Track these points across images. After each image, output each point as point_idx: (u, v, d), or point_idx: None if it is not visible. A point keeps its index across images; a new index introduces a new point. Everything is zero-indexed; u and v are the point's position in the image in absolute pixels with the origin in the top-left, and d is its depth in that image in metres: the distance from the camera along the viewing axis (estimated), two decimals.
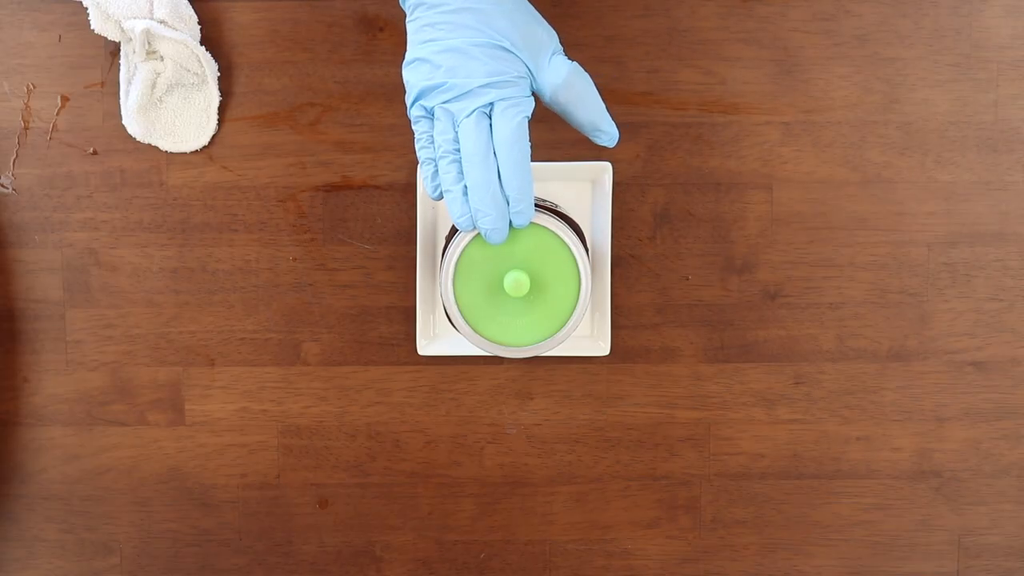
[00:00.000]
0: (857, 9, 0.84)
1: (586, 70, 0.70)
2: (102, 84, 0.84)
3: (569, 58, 0.74)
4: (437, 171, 0.67)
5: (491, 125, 0.65)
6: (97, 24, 0.81)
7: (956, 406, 0.86)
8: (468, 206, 0.66)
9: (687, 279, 0.85)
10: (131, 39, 0.81)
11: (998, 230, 0.85)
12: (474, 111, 0.65)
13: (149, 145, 0.84)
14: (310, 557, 0.87)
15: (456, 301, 0.76)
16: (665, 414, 0.86)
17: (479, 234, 0.75)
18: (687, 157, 0.85)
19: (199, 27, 0.83)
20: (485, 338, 0.76)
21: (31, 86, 0.84)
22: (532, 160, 0.84)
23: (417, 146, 0.67)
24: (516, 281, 0.74)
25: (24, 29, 0.84)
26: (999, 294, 0.86)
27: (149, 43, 0.81)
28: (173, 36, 0.80)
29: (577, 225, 0.81)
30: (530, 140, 0.66)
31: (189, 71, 0.82)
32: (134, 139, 0.84)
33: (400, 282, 0.86)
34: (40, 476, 0.86)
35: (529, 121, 0.67)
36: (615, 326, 0.85)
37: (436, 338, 0.85)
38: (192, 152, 0.85)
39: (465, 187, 0.66)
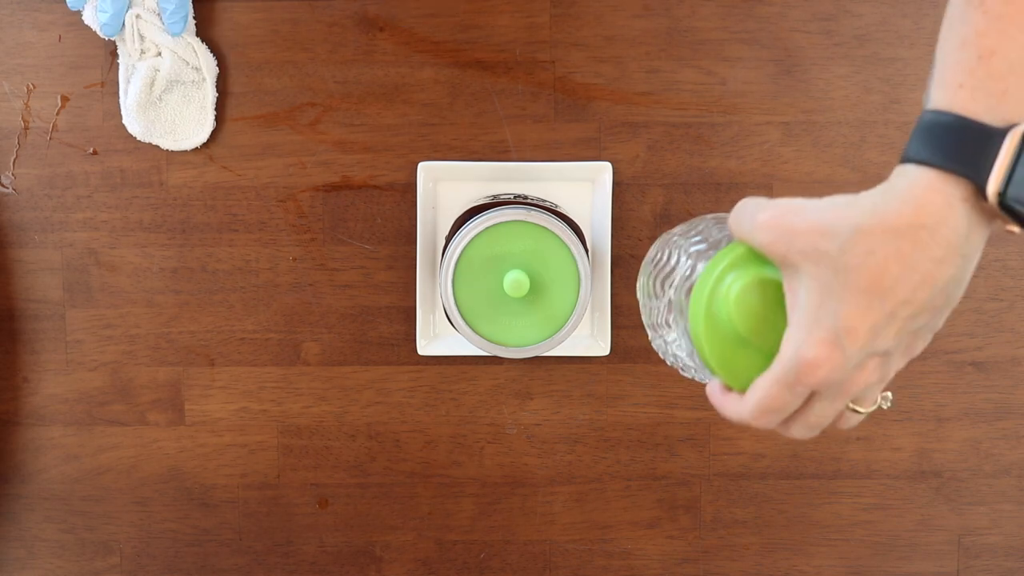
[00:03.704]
0: (857, 9, 0.84)
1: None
2: (102, 84, 0.84)
3: None
4: None
5: None
6: (90, 18, 0.81)
7: (956, 406, 0.86)
8: None
9: None
10: (124, 41, 0.81)
11: (998, 230, 0.85)
12: None
13: (149, 145, 0.84)
14: (310, 557, 0.87)
15: (456, 301, 0.76)
16: (665, 414, 0.86)
17: (479, 234, 0.75)
18: (687, 157, 0.85)
19: (194, 21, 0.83)
20: (485, 338, 0.76)
21: (31, 86, 0.84)
22: (532, 160, 0.85)
23: None
24: (516, 281, 0.74)
25: (24, 29, 0.84)
26: (999, 294, 0.86)
27: (143, 36, 0.81)
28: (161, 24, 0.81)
29: (577, 225, 0.81)
30: None
31: (188, 64, 0.82)
32: (134, 139, 0.84)
33: (400, 282, 0.86)
34: (40, 476, 0.86)
35: None
36: (615, 326, 0.85)
37: (436, 338, 0.85)
38: (192, 151, 0.85)
39: None
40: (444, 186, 0.84)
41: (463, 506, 0.87)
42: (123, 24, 0.80)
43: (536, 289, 0.76)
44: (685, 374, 0.60)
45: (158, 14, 0.81)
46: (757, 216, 0.52)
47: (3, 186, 0.85)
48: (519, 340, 0.76)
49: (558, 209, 0.81)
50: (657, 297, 0.60)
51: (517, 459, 0.87)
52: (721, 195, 0.85)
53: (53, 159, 0.85)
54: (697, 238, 0.59)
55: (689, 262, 0.58)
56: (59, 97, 0.84)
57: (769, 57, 0.84)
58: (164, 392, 0.86)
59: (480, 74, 0.84)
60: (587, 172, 0.83)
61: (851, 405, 0.53)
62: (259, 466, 0.87)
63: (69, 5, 0.80)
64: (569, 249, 0.75)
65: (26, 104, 0.84)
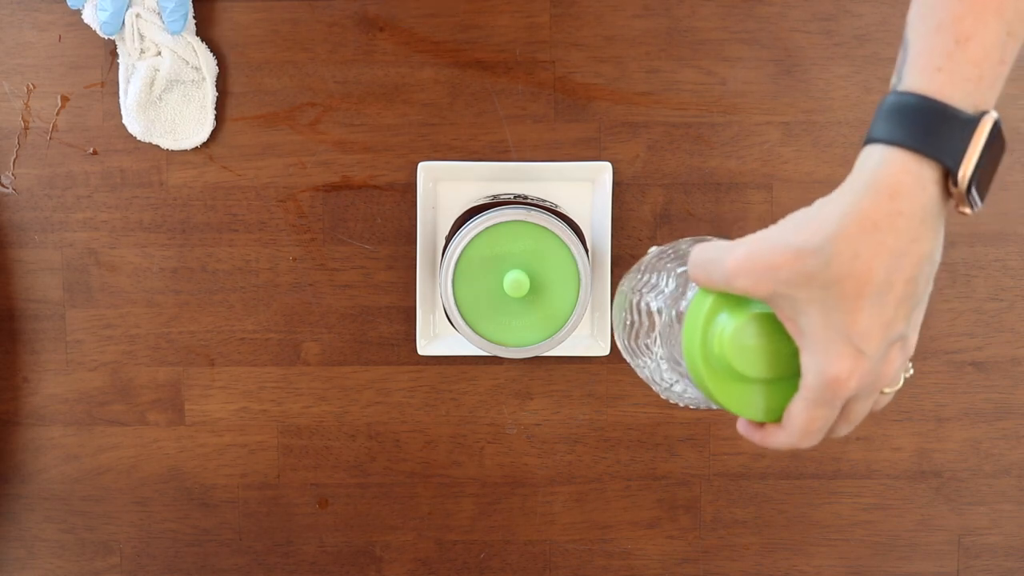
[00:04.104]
0: (857, 9, 0.84)
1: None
2: (102, 84, 0.84)
3: None
4: None
5: None
6: (90, 16, 0.81)
7: (956, 406, 0.86)
8: None
9: None
10: (124, 40, 0.81)
11: (998, 230, 0.85)
12: None
13: (149, 144, 0.84)
14: (310, 557, 0.87)
15: (456, 301, 0.76)
16: (665, 414, 0.86)
17: (479, 234, 0.75)
18: (687, 157, 0.85)
19: (194, 21, 0.83)
20: (485, 338, 0.76)
21: (31, 86, 0.84)
22: (532, 160, 0.85)
23: None
24: (516, 281, 0.74)
25: (24, 29, 0.84)
26: (999, 294, 0.86)
27: (143, 35, 0.81)
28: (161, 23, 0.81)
29: (577, 225, 0.81)
30: None
31: (188, 64, 0.82)
32: (134, 139, 0.84)
33: (400, 282, 0.86)
34: (40, 476, 0.86)
35: None
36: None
37: (436, 338, 0.85)
38: (192, 151, 0.85)
39: None
40: (444, 186, 0.84)
41: (463, 506, 0.87)
42: (123, 23, 0.80)
43: (536, 289, 0.76)
44: (704, 406, 0.59)
45: (158, 13, 0.81)
46: (726, 264, 0.51)
47: (3, 186, 0.85)
48: (519, 340, 0.76)
49: (558, 209, 0.81)
50: (647, 356, 0.59)
51: (517, 459, 0.87)
52: (721, 195, 0.85)
53: (53, 159, 0.85)
54: (663, 281, 0.58)
55: (664, 311, 0.57)
56: (59, 97, 0.84)
57: (769, 57, 0.84)
58: (164, 392, 0.86)
59: (480, 74, 0.84)
60: (587, 172, 0.83)
61: (883, 390, 0.54)
62: (259, 466, 0.87)
63: (69, 4, 0.80)
64: (569, 249, 0.75)
65: (26, 104, 0.84)
